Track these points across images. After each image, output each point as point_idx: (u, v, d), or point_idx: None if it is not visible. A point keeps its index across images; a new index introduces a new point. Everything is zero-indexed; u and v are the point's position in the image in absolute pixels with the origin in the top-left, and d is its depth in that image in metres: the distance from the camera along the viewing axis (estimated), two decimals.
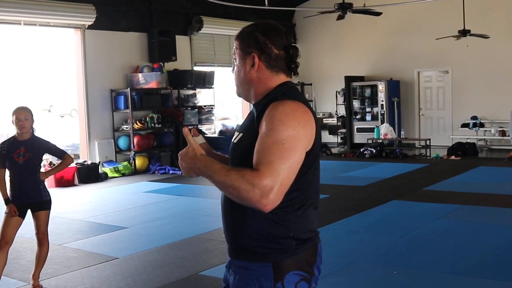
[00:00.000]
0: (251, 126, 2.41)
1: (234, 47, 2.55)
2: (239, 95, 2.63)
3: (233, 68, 2.59)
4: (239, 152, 2.44)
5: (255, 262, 2.41)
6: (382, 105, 17.72)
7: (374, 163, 14.70)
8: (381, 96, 17.72)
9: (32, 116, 5.75)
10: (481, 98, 16.90)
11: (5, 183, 5.72)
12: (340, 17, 12.33)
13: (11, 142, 5.72)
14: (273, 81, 2.49)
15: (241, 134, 2.47)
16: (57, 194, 10.06)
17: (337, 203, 9.85)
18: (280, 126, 2.25)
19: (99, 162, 13.85)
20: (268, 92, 2.47)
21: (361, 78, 18.56)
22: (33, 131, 5.79)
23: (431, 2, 15.17)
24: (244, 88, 2.55)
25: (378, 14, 12.97)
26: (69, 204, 10.51)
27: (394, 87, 17.86)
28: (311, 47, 19.77)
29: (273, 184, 2.16)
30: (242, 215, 2.40)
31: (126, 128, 14.27)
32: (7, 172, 5.74)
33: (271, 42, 2.46)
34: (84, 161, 13.55)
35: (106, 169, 13.83)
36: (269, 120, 2.29)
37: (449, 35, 14.80)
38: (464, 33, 14.51)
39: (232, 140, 2.54)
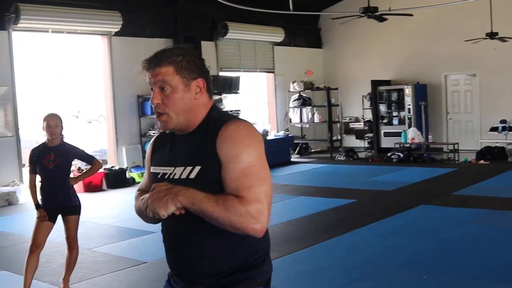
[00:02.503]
0: (207, 156, 2.25)
1: (161, 74, 2.30)
2: (174, 126, 2.36)
3: (156, 98, 2.32)
4: (207, 186, 2.21)
5: None
6: (409, 109, 17.60)
7: (401, 168, 14.61)
8: (408, 100, 17.61)
9: (61, 122, 5.82)
10: (510, 101, 16.71)
11: (35, 188, 5.80)
12: (372, 17, 12.25)
13: (42, 148, 5.80)
14: (209, 104, 2.41)
15: (197, 167, 2.27)
16: (85, 199, 10.14)
17: (364, 208, 9.81)
18: (245, 149, 2.21)
19: (127, 167, 13.97)
20: (205, 116, 2.38)
21: (387, 82, 18.47)
22: (62, 137, 5.86)
23: (458, 4, 15.05)
24: (184, 117, 2.34)
25: (408, 15, 12.93)
26: (98, 209, 10.61)
27: (421, 91, 17.73)
28: (336, 51, 19.78)
29: (263, 208, 2.15)
30: (217, 243, 2.28)
31: (153, 133, 14.35)
32: (38, 178, 5.83)
33: (205, 66, 2.40)
34: (112, 167, 13.67)
35: (134, 174, 13.93)
36: (230, 146, 2.22)
37: (478, 38, 14.68)
38: (491, 35, 14.39)
39: (176, 177, 2.32)
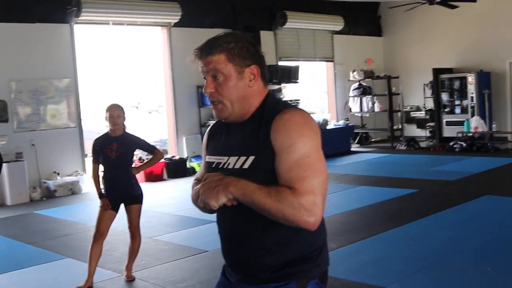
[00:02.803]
0: (261, 146, 2.20)
1: (213, 62, 2.26)
2: (229, 115, 2.31)
3: (209, 86, 2.29)
4: (261, 176, 2.16)
5: (280, 282, 2.27)
6: (472, 97, 17.19)
7: (464, 157, 14.31)
8: (471, 88, 17.21)
9: (124, 113, 5.91)
10: None
11: (99, 178, 5.90)
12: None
13: (104, 138, 5.90)
14: (264, 92, 2.34)
15: (251, 157, 2.22)
16: (146, 189, 10.29)
17: (426, 198, 9.66)
18: (300, 138, 2.13)
19: (187, 157, 14.11)
20: (260, 105, 2.31)
21: (449, 70, 18.09)
22: (125, 127, 5.95)
23: None
24: (238, 105, 2.29)
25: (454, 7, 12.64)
26: (159, 198, 10.75)
27: (484, 78, 17.29)
28: (397, 39, 19.49)
29: (316, 200, 2.06)
30: (270, 235, 2.24)
31: (213, 123, 14.42)
32: (101, 167, 5.93)
33: (259, 53, 2.33)
34: (172, 156, 13.82)
35: (194, 163, 14.05)
36: (285, 135, 2.15)
37: None
38: None
39: (230, 167, 2.28)
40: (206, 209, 2.20)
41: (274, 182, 2.13)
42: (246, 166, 2.23)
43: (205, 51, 2.28)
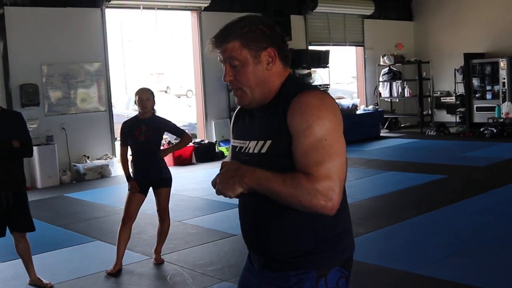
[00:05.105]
0: (278, 130, 2.16)
1: (229, 50, 2.25)
2: (250, 102, 2.28)
3: (228, 75, 2.29)
4: (279, 161, 2.15)
5: (301, 270, 2.26)
6: (503, 82, 16.95)
7: (494, 143, 14.15)
8: (503, 74, 16.94)
9: (153, 97, 5.93)
10: None
11: (127, 160, 5.94)
12: None
13: (133, 120, 5.94)
14: (284, 74, 2.28)
15: (268, 142, 2.19)
16: (175, 172, 10.35)
17: (455, 184, 9.58)
18: (316, 121, 2.07)
19: (216, 141, 14.15)
20: (279, 88, 2.26)
21: (481, 55, 17.84)
22: (154, 111, 5.97)
23: None
24: (258, 90, 2.25)
25: None
26: (187, 182, 10.80)
27: None
28: (428, 23, 19.26)
29: (332, 185, 2.02)
30: (288, 222, 2.21)
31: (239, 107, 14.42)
32: (129, 151, 5.96)
33: (276, 34, 2.26)
34: (201, 141, 13.87)
35: (223, 148, 14.09)
36: (301, 118, 2.09)
37: None
38: None
39: (250, 151, 2.26)
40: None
41: (292, 166, 2.10)
42: (263, 150, 2.20)
43: (220, 39, 2.28)
